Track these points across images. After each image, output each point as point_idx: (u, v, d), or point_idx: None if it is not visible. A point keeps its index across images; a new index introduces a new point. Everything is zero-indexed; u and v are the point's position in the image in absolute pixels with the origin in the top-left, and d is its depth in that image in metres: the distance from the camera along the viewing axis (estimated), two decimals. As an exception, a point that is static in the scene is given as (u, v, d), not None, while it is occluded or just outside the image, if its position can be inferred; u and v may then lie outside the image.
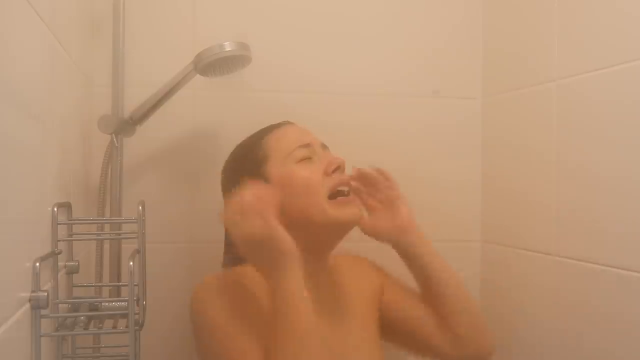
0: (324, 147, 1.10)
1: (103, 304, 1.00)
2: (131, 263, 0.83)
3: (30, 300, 0.73)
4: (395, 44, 1.39)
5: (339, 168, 1.06)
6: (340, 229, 1.06)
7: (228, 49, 1.07)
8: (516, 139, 1.30)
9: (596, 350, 1.06)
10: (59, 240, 0.86)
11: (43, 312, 0.75)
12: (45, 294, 0.73)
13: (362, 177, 1.09)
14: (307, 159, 1.05)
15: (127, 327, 0.86)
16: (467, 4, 1.43)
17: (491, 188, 1.40)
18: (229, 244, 1.10)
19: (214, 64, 1.08)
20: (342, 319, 1.06)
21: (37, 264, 0.74)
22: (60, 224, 0.86)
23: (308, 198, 1.02)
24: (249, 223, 0.88)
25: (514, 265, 1.30)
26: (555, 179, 1.16)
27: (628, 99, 0.99)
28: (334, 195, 1.04)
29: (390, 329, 1.13)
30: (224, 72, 1.13)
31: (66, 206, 0.92)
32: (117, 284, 1.13)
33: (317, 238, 1.05)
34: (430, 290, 1.09)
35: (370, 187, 1.10)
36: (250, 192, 0.91)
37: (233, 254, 1.06)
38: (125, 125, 1.15)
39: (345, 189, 1.06)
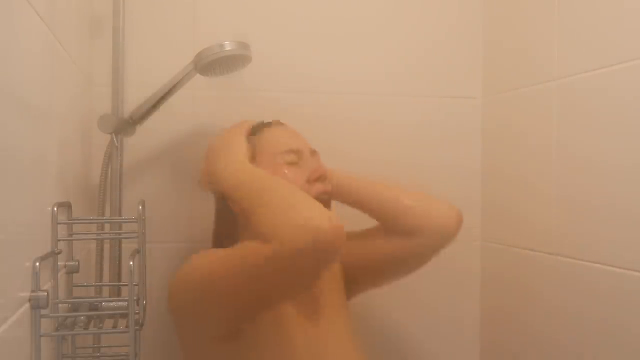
0: (313, 152, 1.11)
1: (103, 303, 1.00)
2: (131, 263, 0.82)
3: (30, 300, 0.73)
4: (395, 43, 1.39)
5: (321, 177, 1.07)
6: None
7: (228, 49, 1.07)
8: (516, 139, 1.30)
9: (596, 349, 1.05)
10: (59, 240, 0.86)
11: (43, 311, 0.75)
12: (45, 293, 0.73)
13: None
14: (294, 163, 1.06)
15: (127, 327, 0.86)
16: (467, 3, 1.42)
17: (491, 188, 1.40)
18: (223, 219, 1.13)
19: (214, 64, 1.08)
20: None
21: (37, 264, 0.74)
22: (60, 223, 0.86)
23: None
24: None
25: (514, 265, 1.30)
26: (556, 179, 1.16)
27: (628, 98, 0.99)
28: None
29: (357, 275, 1.14)
30: (224, 72, 1.13)
31: (66, 206, 0.92)
32: (117, 283, 1.13)
33: None
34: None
35: None
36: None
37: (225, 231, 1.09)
38: (125, 125, 1.14)
39: (325, 197, 1.07)
